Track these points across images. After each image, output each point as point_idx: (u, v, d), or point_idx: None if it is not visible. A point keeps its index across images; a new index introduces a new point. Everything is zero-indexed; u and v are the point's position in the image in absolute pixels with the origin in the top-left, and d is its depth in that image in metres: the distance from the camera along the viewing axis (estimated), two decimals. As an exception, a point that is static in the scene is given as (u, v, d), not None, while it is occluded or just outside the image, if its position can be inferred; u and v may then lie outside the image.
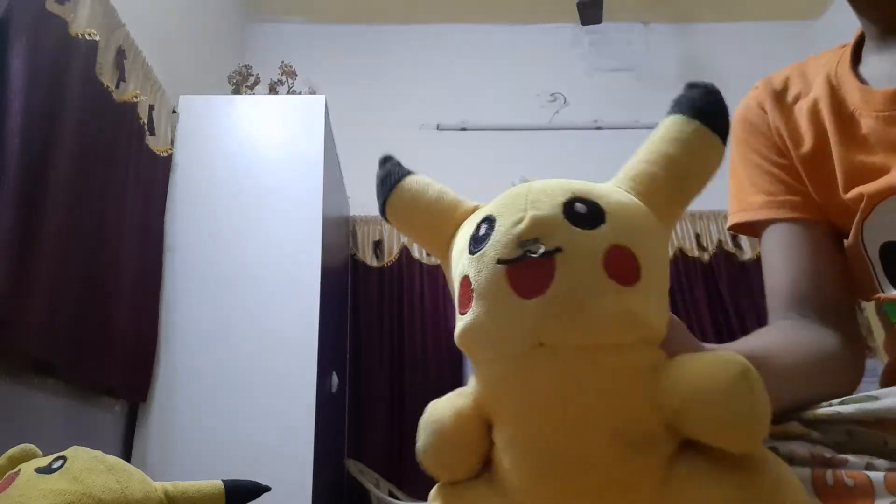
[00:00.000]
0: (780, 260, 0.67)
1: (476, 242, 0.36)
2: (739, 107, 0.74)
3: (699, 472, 0.32)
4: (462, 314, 0.35)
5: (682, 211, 0.38)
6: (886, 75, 0.60)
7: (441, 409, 0.38)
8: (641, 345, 0.33)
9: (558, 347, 0.32)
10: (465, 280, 0.35)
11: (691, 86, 0.37)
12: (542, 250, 0.32)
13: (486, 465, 0.38)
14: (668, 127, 0.37)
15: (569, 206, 0.34)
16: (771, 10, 3.79)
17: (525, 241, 0.33)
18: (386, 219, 0.43)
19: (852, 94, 0.62)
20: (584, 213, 0.34)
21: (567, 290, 0.32)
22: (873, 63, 0.63)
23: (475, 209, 0.40)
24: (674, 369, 0.33)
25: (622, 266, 0.33)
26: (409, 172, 0.43)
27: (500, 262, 0.33)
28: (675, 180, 0.36)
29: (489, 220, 0.36)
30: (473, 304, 0.34)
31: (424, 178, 0.43)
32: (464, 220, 0.40)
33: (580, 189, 0.35)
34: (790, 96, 0.69)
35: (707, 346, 0.44)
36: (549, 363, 0.33)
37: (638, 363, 0.33)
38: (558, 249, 0.32)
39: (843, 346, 0.60)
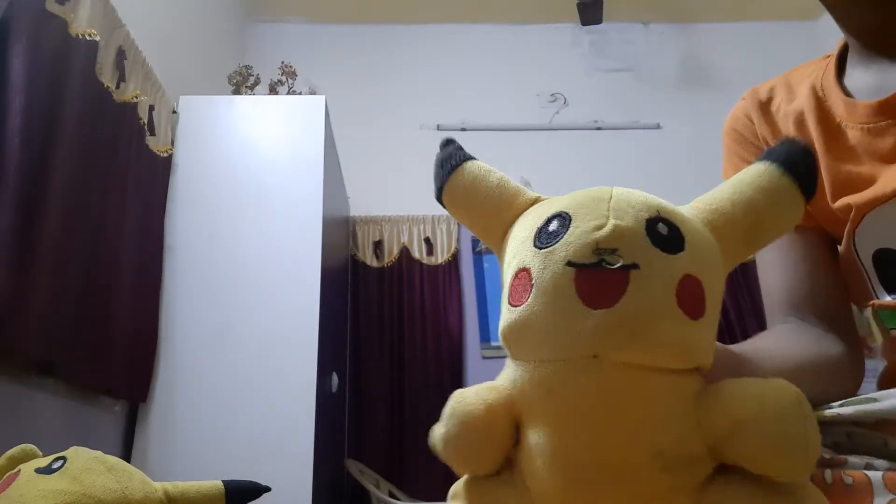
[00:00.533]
0: (774, 266, 0.67)
1: (544, 237, 0.34)
2: (728, 117, 0.75)
3: (735, 498, 0.31)
4: (514, 306, 0.34)
5: (746, 257, 0.37)
6: (870, 88, 0.61)
7: (471, 401, 0.35)
8: (692, 372, 0.33)
9: (612, 362, 0.31)
10: (524, 272, 0.34)
11: (789, 141, 0.36)
12: (620, 262, 0.31)
13: (505, 464, 0.37)
14: (759, 174, 0.36)
15: (651, 224, 0.33)
16: (771, 10, 3.79)
17: (602, 250, 0.32)
18: (441, 202, 0.42)
19: (837, 105, 0.63)
20: (665, 234, 0.33)
21: (636, 309, 0.31)
22: (856, 75, 0.64)
23: (537, 200, 0.40)
24: (724, 393, 0.32)
25: (692, 297, 0.32)
26: (470, 157, 0.42)
27: (570, 264, 0.32)
28: (752, 228, 0.36)
29: (563, 217, 0.34)
30: (531, 299, 0.33)
31: (485, 165, 0.42)
32: (524, 209, 0.39)
33: (664, 208, 0.35)
34: (775, 106, 0.70)
35: (719, 345, 0.44)
36: (600, 376, 0.32)
37: (686, 388, 0.33)
38: (635, 265, 0.31)
39: (842, 349, 0.60)
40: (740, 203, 0.35)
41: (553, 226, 0.34)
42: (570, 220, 0.34)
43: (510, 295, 0.35)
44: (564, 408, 0.33)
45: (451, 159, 0.42)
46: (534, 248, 0.34)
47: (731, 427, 0.31)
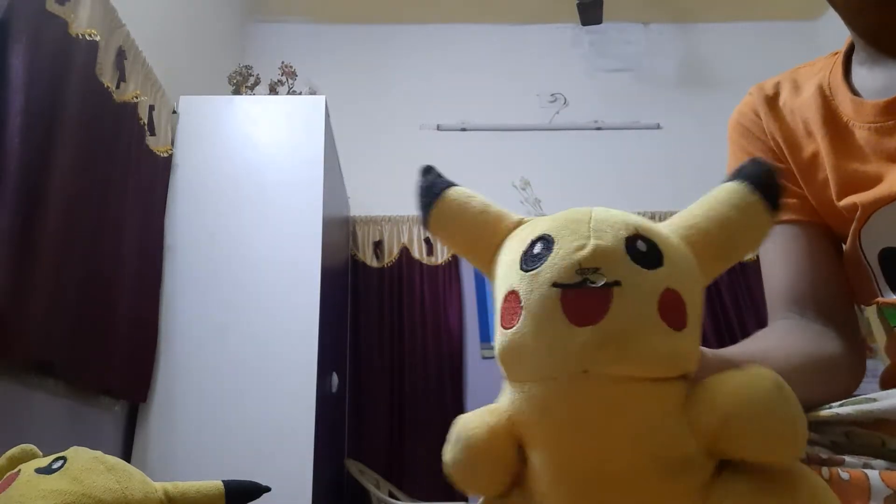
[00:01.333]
0: (777, 261, 0.67)
1: (530, 260, 0.36)
2: (734, 112, 0.75)
3: (736, 493, 0.32)
4: (506, 329, 0.35)
5: (721, 271, 0.39)
6: (877, 87, 0.61)
7: (473, 425, 0.37)
8: (679, 379, 0.34)
9: (602, 376, 0.32)
10: (513, 295, 0.35)
11: (757, 162, 0.38)
12: (602, 281, 0.33)
13: (516, 482, 0.38)
14: (730, 192, 0.37)
15: (631, 242, 0.34)
16: (771, 10, 3.79)
17: (585, 269, 0.33)
18: (428, 230, 0.43)
19: (845, 104, 0.63)
20: (644, 251, 0.34)
21: (621, 324, 0.32)
22: (863, 74, 0.64)
23: (520, 222, 0.41)
24: (708, 390, 0.33)
25: (674, 309, 0.33)
26: (451, 183, 0.43)
27: (555, 285, 0.33)
28: (727, 242, 0.37)
29: (546, 240, 0.36)
30: (521, 321, 0.34)
31: (466, 190, 0.43)
32: (509, 233, 0.40)
33: (642, 226, 0.36)
34: (781, 102, 0.70)
35: (707, 350, 0.45)
36: (592, 390, 0.33)
37: (674, 393, 0.34)
38: (617, 283, 0.33)
39: (842, 346, 0.60)
40: (715, 219, 0.37)
41: (537, 248, 0.36)
42: (554, 242, 0.35)
43: (502, 318, 0.36)
44: (561, 425, 0.34)
45: (434, 187, 0.43)
46: (521, 271, 0.36)
47: (720, 423, 0.32)
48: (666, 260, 0.34)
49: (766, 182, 0.37)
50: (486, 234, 0.41)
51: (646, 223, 0.37)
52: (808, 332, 0.61)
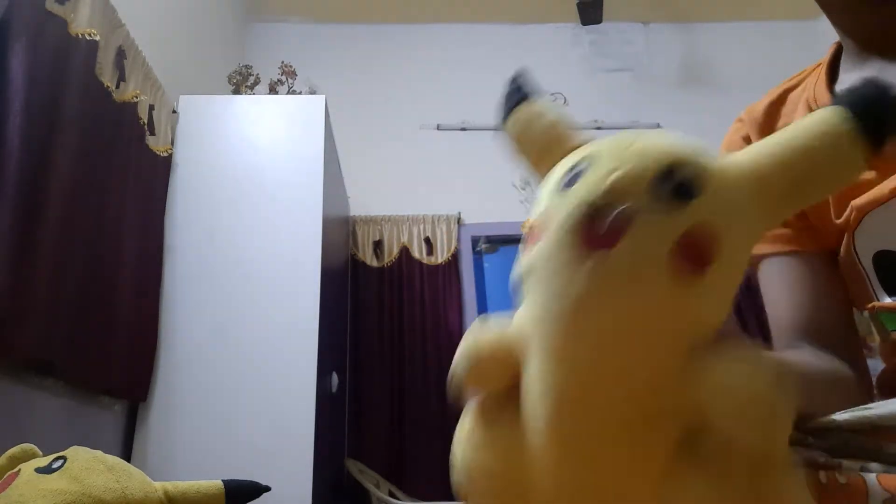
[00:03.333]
0: (780, 294, 0.66)
1: (565, 183, 0.35)
2: (724, 141, 0.74)
3: (692, 483, 0.32)
4: (531, 245, 0.35)
5: (788, 213, 0.35)
6: None
7: (484, 326, 0.38)
8: (689, 324, 0.32)
9: (602, 305, 0.32)
10: (545, 215, 0.35)
11: (867, 82, 0.33)
12: (610, 217, 0.31)
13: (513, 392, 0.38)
14: (823, 117, 0.33)
15: (663, 173, 0.32)
16: (771, 10, 3.79)
17: (607, 196, 0.32)
18: (506, 132, 0.43)
19: None
20: (678, 183, 0.32)
21: (622, 267, 0.31)
22: (852, 78, 0.63)
23: (580, 146, 0.39)
24: (710, 358, 0.31)
25: (695, 251, 0.31)
26: (534, 93, 0.43)
27: (578, 209, 0.33)
28: (806, 175, 0.33)
29: (583, 164, 0.35)
30: (544, 239, 0.34)
31: (546, 103, 0.43)
32: (565, 155, 0.39)
33: (685, 157, 0.33)
34: (775, 127, 0.69)
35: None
36: (586, 322, 0.33)
37: (675, 344, 0.32)
38: (633, 214, 0.31)
39: (853, 375, 0.60)
40: (794, 147, 0.33)
41: (574, 172, 0.35)
42: (589, 167, 0.35)
43: (529, 235, 0.36)
44: (555, 349, 0.34)
45: (516, 94, 0.43)
46: (556, 192, 0.36)
47: (707, 396, 0.31)
48: (703, 193, 0.32)
49: (870, 108, 0.32)
50: (547, 151, 0.41)
51: (695, 153, 0.34)
52: (824, 356, 0.60)
